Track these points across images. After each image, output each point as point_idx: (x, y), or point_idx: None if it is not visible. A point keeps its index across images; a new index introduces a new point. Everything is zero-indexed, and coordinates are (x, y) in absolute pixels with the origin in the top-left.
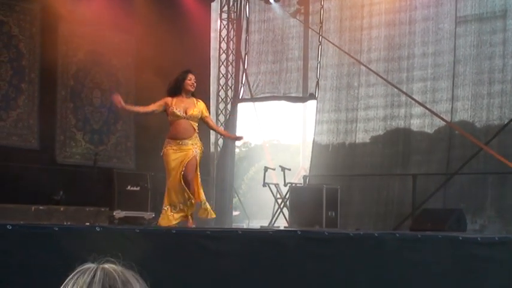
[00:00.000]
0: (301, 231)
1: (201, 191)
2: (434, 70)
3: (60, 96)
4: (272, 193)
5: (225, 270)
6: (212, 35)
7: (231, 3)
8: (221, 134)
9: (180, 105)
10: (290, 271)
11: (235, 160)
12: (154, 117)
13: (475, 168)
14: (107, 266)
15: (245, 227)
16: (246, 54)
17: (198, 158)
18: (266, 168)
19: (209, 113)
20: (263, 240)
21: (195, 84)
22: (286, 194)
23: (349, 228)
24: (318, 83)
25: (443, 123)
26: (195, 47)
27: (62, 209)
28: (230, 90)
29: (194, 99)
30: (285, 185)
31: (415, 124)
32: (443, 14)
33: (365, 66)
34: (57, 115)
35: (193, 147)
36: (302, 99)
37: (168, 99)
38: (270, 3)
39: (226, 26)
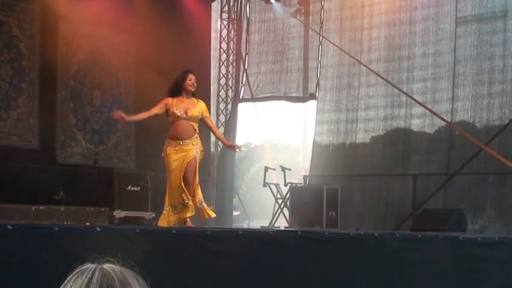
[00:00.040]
0: (301, 231)
1: (198, 192)
2: (434, 70)
3: (60, 96)
4: (272, 193)
5: (225, 270)
6: (212, 35)
7: (232, 3)
8: (218, 138)
9: (180, 106)
10: (290, 271)
11: (235, 160)
12: (155, 117)
13: (475, 169)
14: (106, 266)
15: (245, 227)
16: (246, 54)
17: (198, 158)
18: (266, 168)
19: (210, 113)
20: (263, 240)
21: (195, 84)
22: (287, 194)
23: (349, 229)
24: (318, 83)
25: (443, 123)
26: (196, 47)
27: (62, 209)
28: (230, 90)
29: (194, 99)
30: (285, 185)
31: (416, 124)
32: (444, 14)
33: (365, 66)
34: (58, 115)
35: (193, 148)
36: (302, 99)
37: (169, 100)
38: (271, 3)
39: (226, 26)
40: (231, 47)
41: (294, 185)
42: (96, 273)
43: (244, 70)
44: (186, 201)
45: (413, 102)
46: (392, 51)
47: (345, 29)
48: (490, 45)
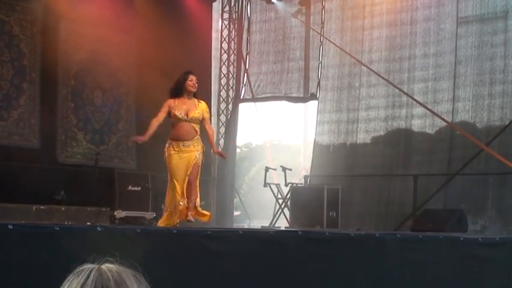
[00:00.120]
0: (302, 232)
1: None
2: (435, 71)
3: (61, 96)
4: (273, 193)
5: (226, 270)
6: (213, 35)
7: (233, 3)
8: (209, 142)
9: (181, 108)
10: (291, 271)
11: (236, 160)
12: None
13: (476, 169)
14: (103, 266)
15: (246, 227)
16: (247, 54)
17: (200, 160)
18: (267, 168)
19: (210, 113)
20: (264, 240)
21: (196, 85)
22: (287, 194)
23: (350, 229)
24: (319, 83)
25: (444, 123)
26: (197, 47)
27: (63, 208)
28: (231, 90)
29: (196, 100)
30: (286, 185)
31: (416, 125)
32: (445, 14)
33: (366, 66)
34: (58, 115)
35: (195, 149)
36: (303, 99)
37: (171, 102)
38: (272, 3)
39: (227, 26)
40: (232, 47)
41: (294, 185)
42: (93, 273)
43: (245, 70)
44: (181, 203)
45: (414, 102)
46: (393, 51)
47: (346, 29)
48: (491, 45)
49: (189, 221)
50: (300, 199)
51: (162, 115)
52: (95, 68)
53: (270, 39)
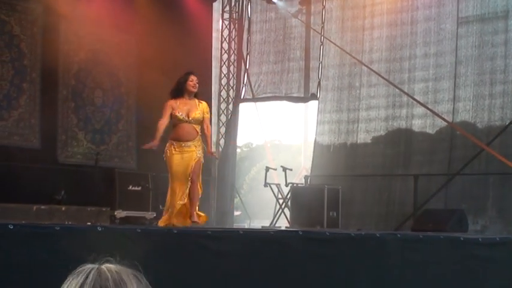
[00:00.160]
0: (302, 232)
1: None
2: (436, 71)
3: (61, 96)
4: (273, 193)
5: (226, 270)
6: (214, 35)
7: (233, 3)
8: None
9: (182, 109)
10: (291, 271)
11: (236, 160)
12: (155, 117)
13: (477, 169)
14: (103, 266)
15: (246, 227)
16: (247, 54)
17: (202, 158)
18: (267, 168)
19: (211, 113)
20: (264, 240)
21: (197, 85)
22: (288, 194)
23: (350, 229)
24: (319, 83)
25: (444, 123)
26: (197, 47)
27: (63, 208)
28: (232, 90)
29: (196, 100)
30: (287, 185)
31: (417, 125)
32: (445, 14)
33: (367, 66)
34: (59, 115)
35: (196, 150)
36: (304, 99)
37: (172, 102)
38: (273, 3)
39: (228, 26)
40: (232, 47)
41: (295, 185)
42: (92, 273)
43: (246, 70)
44: (180, 203)
45: (415, 102)
46: (393, 51)
47: (346, 29)
48: (491, 45)
49: (194, 222)
50: (301, 199)
51: (166, 117)
52: (95, 68)
53: (271, 39)
